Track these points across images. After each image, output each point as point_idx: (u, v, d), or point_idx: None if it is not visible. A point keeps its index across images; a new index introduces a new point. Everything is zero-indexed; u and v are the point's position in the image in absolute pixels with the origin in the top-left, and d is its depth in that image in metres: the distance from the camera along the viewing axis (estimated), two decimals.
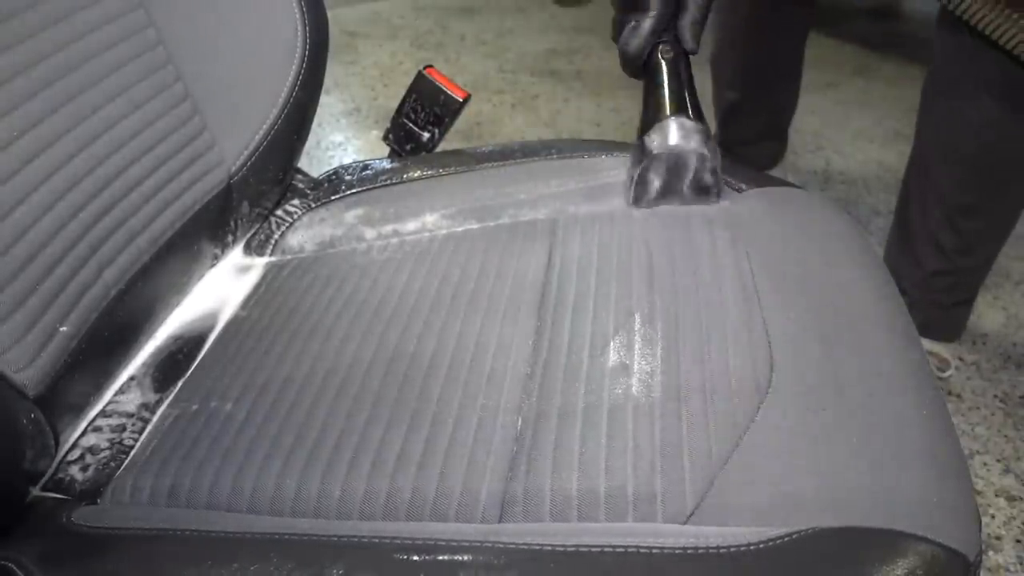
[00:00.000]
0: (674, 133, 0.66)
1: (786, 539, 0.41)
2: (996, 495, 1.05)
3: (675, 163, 0.66)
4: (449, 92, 0.77)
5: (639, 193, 0.68)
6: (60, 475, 0.55)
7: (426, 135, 0.79)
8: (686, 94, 0.67)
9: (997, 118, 0.96)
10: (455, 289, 0.64)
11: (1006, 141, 0.99)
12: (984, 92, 0.95)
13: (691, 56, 0.69)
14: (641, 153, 0.67)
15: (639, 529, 0.45)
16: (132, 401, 0.60)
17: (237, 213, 0.71)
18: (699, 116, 0.67)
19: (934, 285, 1.14)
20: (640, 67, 0.68)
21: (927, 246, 1.12)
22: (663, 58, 0.67)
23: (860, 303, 0.57)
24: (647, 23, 0.66)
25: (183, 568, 0.44)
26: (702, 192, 0.67)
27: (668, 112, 0.66)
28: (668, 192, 0.68)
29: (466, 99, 0.75)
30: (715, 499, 0.45)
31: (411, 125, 0.80)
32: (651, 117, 0.67)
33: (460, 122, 0.76)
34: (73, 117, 0.56)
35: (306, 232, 0.75)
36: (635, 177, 0.67)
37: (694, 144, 0.65)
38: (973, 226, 1.08)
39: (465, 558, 0.42)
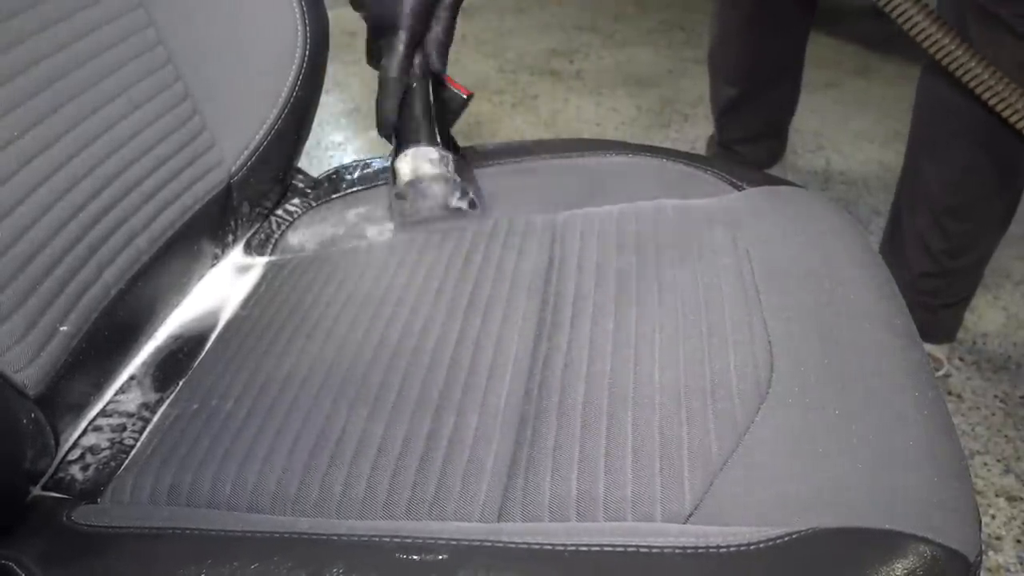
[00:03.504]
0: (415, 161, 0.70)
1: (786, 539, 0.41)
2: (996, 495, 1.05)
3: (422, 190, 0.70)
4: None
5: (397, 217, 0.72)
6: (60, 474, 0.55)
7: None
8: (430, 121, 0.71)
9: (987, 121, 0.96)
10: (456, 288, 0.64)
11: (995, 145, 0.99)
12: (976, 98, 0.95)
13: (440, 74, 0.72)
14: (394, 179, 0.71)
15: (639, 528, 0.45)
16: (133, 401, 0.60)
17: (237, 213, 0.71)
18: (443, 142, 0.71)
19: (923, 287, 1.14)
20: (400, 94, 0.70)
21: (916, 247, 1.11)
22: (412, 83, 0.70)
23: (860, 302, 0.57)
24: (401, 41, 0.68)
25: (183, 567, 0.44)
26: (460, 213, 0.71)
27: (412, 139, 0.70)
28: (426, 215, 0.71)
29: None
30: (715, 499, 0.45)
31: None
32: (402, 142, 0.70)
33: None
34: (73, 117, 0.56)
35: (306, 231, 0.75)
36: (391, 203, 0.72)
37: (435, 170, 0.69)
38: (961, 228, 1.07)
39: (465, 557, 0.42)
